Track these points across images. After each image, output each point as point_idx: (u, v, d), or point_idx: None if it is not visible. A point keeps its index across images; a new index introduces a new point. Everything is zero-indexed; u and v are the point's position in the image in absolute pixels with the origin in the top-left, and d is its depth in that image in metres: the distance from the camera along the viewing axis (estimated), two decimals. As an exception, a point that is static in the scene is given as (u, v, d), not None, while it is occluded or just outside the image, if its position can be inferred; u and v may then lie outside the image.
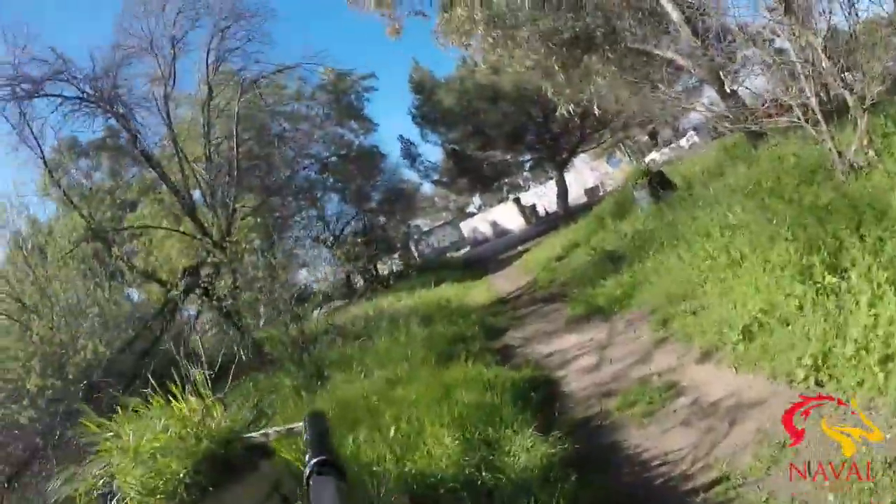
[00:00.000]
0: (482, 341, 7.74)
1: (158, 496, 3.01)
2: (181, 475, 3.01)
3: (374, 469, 3.75)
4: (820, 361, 3.46)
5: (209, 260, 11.36)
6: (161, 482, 3.02)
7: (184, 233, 11.25)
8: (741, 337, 4.34)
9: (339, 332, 10.25)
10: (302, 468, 1.00)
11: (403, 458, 3.96)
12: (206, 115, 12.70)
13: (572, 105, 10.93)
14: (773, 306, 4.30)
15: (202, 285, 10.50)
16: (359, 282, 27.55)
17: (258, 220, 19.05)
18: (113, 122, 11.70)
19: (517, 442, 3.96)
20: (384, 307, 12.48)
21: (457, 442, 3.98)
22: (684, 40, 10.23)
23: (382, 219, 28.39)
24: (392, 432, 4.29)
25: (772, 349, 3.96)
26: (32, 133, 11.38)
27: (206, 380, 3.65)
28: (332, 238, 27.11)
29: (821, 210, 5.12)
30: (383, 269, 29.39)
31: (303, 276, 26.91)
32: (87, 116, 11.45)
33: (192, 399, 3.45)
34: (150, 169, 12.26)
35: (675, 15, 9.95)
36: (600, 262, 9.36)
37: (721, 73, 9.88)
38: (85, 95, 11.13)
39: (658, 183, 12.05)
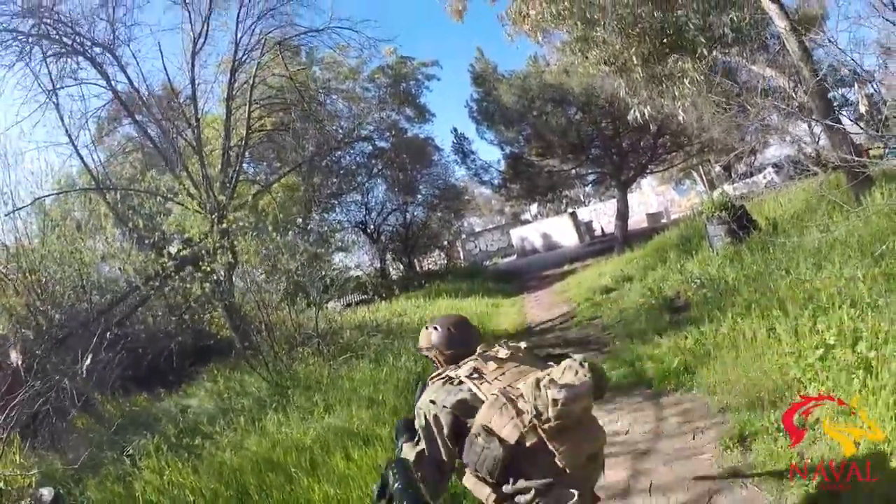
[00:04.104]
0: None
1: None
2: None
3: None
4: None
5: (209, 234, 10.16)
6: None
7: (179, 202, 9.96)
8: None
9: (332, 338, 8.76)
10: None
11: None
12: (231, 77, 11.51)
13: (648, 109, 8.87)
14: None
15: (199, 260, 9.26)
16: (394, 274, 26.34)
17: (285, 196, 17.98)
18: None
19: None
20: (397, 313, 10.89)
21: None
22: (791, 54, 8.17)
23: (428, 213, 26.96)
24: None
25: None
26: (52, 80, 10.58)
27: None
28: (372, 226, 26.07)
29: None
30: (427, 264, 28.19)
31: (338, 260, 26.12)
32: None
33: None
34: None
35: (780, 23, 7.80)
36: (656, 310, 7.42)
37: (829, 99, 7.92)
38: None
39: (739, 220, 9.94)
